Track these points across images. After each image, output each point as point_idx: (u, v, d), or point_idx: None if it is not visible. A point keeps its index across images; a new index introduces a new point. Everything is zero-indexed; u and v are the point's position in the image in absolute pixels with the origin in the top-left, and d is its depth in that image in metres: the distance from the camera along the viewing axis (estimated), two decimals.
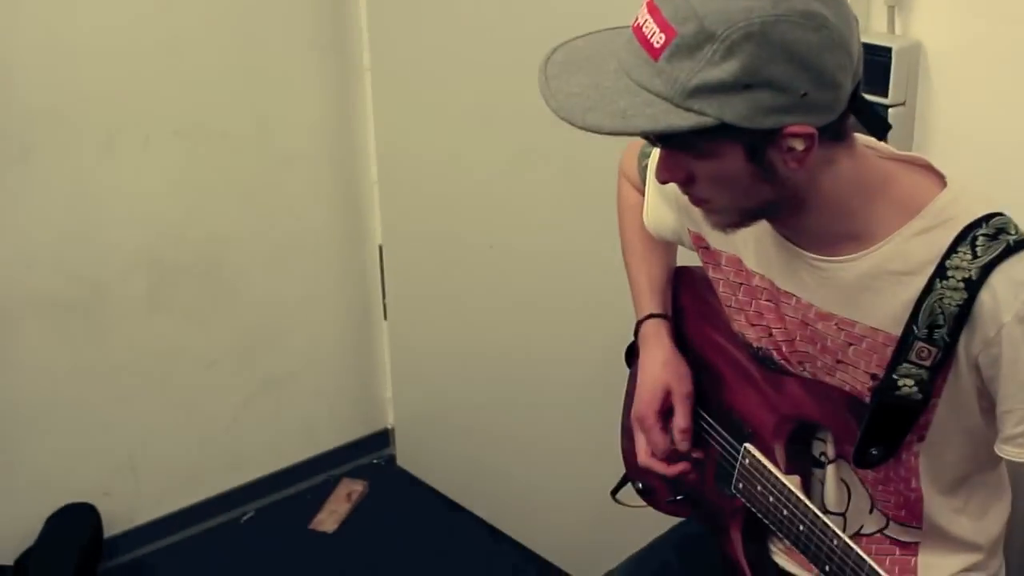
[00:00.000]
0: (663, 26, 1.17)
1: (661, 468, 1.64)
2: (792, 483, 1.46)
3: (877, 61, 1.76)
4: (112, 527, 2.88)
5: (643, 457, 1.65)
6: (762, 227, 1.38)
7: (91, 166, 2.62)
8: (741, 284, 1.49)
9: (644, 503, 1.84)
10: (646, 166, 1.64)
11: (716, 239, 1.49)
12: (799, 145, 1.20)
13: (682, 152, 1.26)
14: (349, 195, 3.04)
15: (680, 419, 1.62)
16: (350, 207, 3.05)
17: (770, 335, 1.47)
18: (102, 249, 2.68)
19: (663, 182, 1.32)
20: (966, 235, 1.26)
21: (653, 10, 1.18)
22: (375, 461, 3.28)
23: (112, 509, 2.87)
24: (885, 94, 1.78)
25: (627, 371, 1.82)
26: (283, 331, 3.04)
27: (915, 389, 1.30)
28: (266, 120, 2.85)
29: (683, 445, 1.62)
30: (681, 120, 1.16)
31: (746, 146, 1.21)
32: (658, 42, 1.17)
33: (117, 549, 2.90)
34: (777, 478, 1.48)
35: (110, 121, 2.62)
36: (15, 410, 2.67)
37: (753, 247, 1.45)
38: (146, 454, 2.90)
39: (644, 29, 1.19)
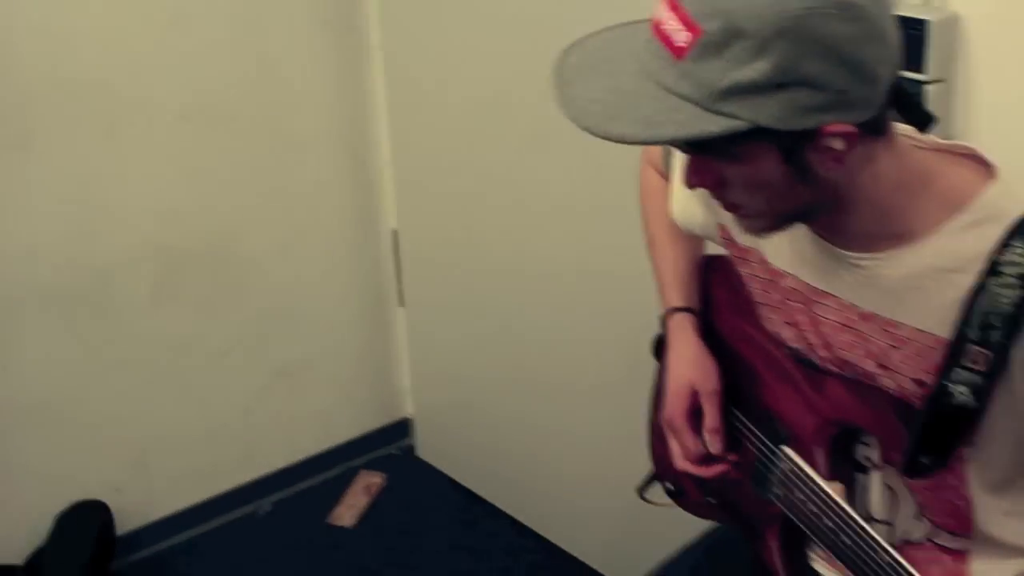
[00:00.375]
0: (687, 23, 1.07)
1: (697, 471, 1.55)
2: (835, 491, 1.37)
3: (912, 35, 1.65)
4: (125, 524, 2.81)
5: (678, 461, 1.56)
6: (795, 226, 1.28)
7: (93, 152, 2.53)
8: (772, 282, 1.40)
9: (672, 502, 1.75)
10: (670, 151, 1.54)
11: (745, 235, 1.39)
12: (838, 144, 1.11)
13: (712, 157, 1.16)
14: (361, 178, 2.95)
15: (709, 419, 1.53)
16: (362, 190, 2.96)
17: (805, 337, 1.38)
18: (106, 238, 2.60)
19: (691, 187, 1.22)
20: (1020, 229, 1.17)
21: (674, 6, 1.08)
22: (393, 452, 3.20)
23: (125, 506, 2.80)
24: (922, 71, 1.68)
25: (653, 360, 1.72)
26: (296, 319, 2.96)
27: (970, 396, 1.20)
28: (273, 101, 2.75)
29: (714, 447, 1.53)
30: (712, 125, 1.07)
31: (781, 148, 1.12)
32: (682, 41, 1.07)
33: (131, 546, 2.84)
34: (819, 485, 1.38)
35: (112, 106, 2.53)
36: (21, 406, 2.60)
37: (786, 246, 1.35)
38: (158, 448, 2.83)
39: (665, 27, 1.09)
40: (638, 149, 1.67)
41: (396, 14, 2.69)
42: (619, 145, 1.15)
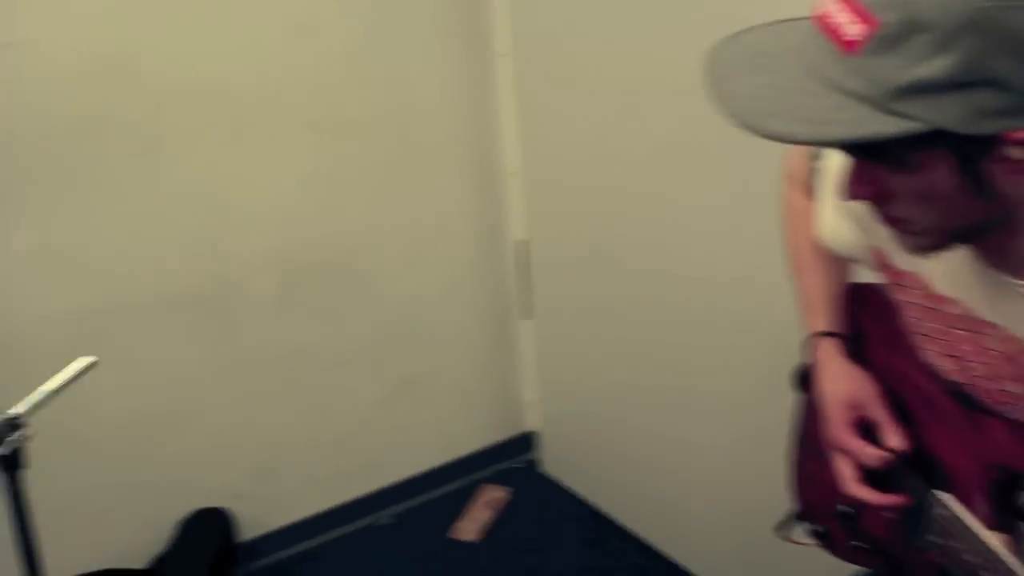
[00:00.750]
0: (860, 15, 0.96)
1: (873, 497, 1.42)
2: (999, 543, 1.24)
3: None
4: (247, 531, 2.80)
5: (848, 485, 1.44)
6: (960, 246, 1.15)
7: (220, 160, 2.52)
8: (932, 310, 1.27)
9: (815, 542, 1.63)
10: (817, 169, 1.42)
11: (902, 258, 1.27)
12: (1020, 154, 0.98)
13: (879, 164, 1.04)
14: (487, 188, 2.89)
15: (884, 420, 1.41)
16: (488, 201, 2.90)
17: (967, 369, 1.25)
18: (230, 246, 2.59)
19: (853, 198, 1.10)
20: None
21: None
22: (517, 466, 3.13)
23: (247, 513, 2.80)
24: None
25: (793, 382, 1.61)
26: (419, 330, 2.91)
27: None
28: (399, 111, 2.71)
29: (897, 442, 1.40)
30: (886, 126, 0.96)
31: (958, 156, 1.00)
32: (854, 34, 0.97)
33: (252, 553, 2.82)
34: (979, 535, 1.26)
35: (237, 113, 2.51)
36: (145, 411, 2.60)
37: (947, 269, 1.23)
38: (281, 457, 2.82)
39: (833, 19, 0.98)
40: (780, 159, 1.56)
41: (526, 21, 2.62)
42: (758, 155, 1.05)
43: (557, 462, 3.05)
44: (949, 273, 1.24)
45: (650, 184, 2.42)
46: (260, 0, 2.46)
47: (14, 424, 1.58)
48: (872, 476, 1.43)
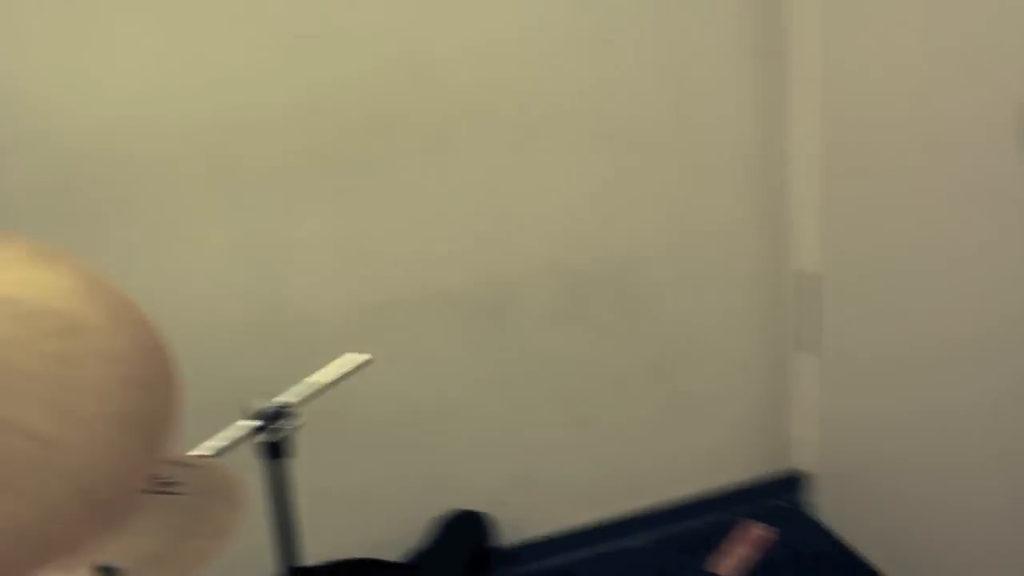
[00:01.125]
0: None
1: None
2: None
3: None
4: (504, 538, 2.81)
5: None
6: None
7: (504, 165, 2.53)
8: None
9: None
10: None
11: None
12: None
13: None
14: (771, 214, 2.78)
15: None
16: (775, 229, 2.80)
17: None
18: (511, 251, 2.60)
19: None
20: None
21: None
22: (782, 505, 2.99)
23: (503, 519, 2.80)
24: None
25: None
26: (693, 354, 2.84)
27: None
28: (691, 128, 2.64)
29: None
30: None
31: None
32: None
33: (508, 560, 2.83)
34: None
35: (526, 120, 2.52)
36: (413, 408, 2.64)
37: None
38: (542, 466, 2.81)
39: None
40: None
41: (838, 45, 2.50)
42: None
43: (830, 506, 2.90)
44: None
45: (957, 225, 2.25)
46: (557, 9, 2.46)
47: (282, 413, 1.61)
48: None
